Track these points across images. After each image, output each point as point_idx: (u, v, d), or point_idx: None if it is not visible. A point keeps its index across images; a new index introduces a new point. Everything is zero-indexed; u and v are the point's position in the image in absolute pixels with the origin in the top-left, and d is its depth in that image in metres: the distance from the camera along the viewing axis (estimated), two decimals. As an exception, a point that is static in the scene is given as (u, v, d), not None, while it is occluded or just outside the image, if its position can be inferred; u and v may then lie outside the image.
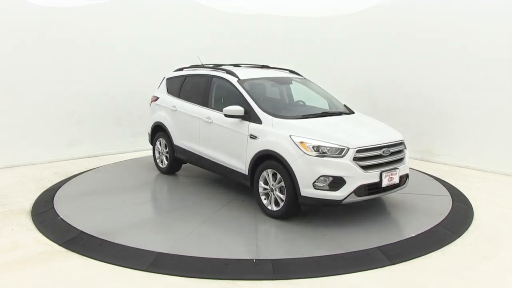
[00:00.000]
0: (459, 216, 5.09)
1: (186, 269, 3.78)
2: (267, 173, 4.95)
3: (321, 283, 3.59)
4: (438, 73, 7.96)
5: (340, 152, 4.54)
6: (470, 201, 5.65)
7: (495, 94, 7.22)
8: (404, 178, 5.05)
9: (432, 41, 8.02)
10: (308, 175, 4.55)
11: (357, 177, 4.53)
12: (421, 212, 5.16)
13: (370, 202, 5.39)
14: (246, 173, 5.22)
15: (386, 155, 4.79)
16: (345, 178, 4.50)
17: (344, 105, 5.92)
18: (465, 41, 7.56)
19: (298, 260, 3.93)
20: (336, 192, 4.52)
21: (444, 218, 4.95)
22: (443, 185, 6.32)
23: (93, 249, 4.16)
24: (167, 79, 7.04)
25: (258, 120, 5.12)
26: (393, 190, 4.99)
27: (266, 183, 5.00)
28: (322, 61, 9.43)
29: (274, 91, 6.14)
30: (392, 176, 4.79)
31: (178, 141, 6.51)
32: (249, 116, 5.21)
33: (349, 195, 4.52)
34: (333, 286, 3.55)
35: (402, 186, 5.08)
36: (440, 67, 7.93)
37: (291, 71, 6.58)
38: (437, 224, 4.77)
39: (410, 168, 7.21)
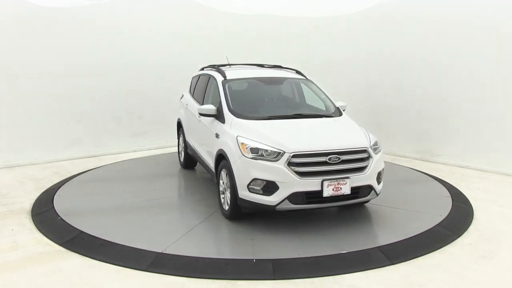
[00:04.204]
0: (459, 216, 5.09)
1: (186, 269, 3.78)
2: (223, 173, 4.92)
3: (321, 283, 3.59)
4: (439, 73, 7.93)
5: (276, 156, 4.35)
6: (470, 201, 5.63)
7: (495, 94, 7.21)
8: (367, 190, 4.60)
9: (432, 41, 8.01)
10: (243, 177, 4.45)
11: (290, 183, 4.27)
12: (421, 212, 5.14)
13: (365, 204, 5.28)
14: (214, 171, 5.26)
15: (334, 162, 4.39)
16: (277, 183, 4.29)
17: (337, 108, 5.59)
18: (466, 41, 7.54)
19: (298, 260, 3.92)
20: (269, 197, 4.35)
21: (444, 218, 4.94)
22: (443, 185, 6.30)
23: (93, 249, 4.16)
24: (192, 78, 7.16)
25: (223, 120, 5.11)
26: (346, 202, 4.58)
27: None
28: (322, 61, 9.40)
29: (261, 91, 5.93)
30: (339, 186, 4.34)
31: (188, 137, 6.69)
32: (219, 115, 5.22)
33: (282, 201, 4.31)
34: (333, 286, 3.55)
35: (363, 198, 4.65)
36: (441, 67, 7.91)
37: (297, 72, 6.51)
38: (437, 224, 4.76)
39: (409, 168, 7.32)
